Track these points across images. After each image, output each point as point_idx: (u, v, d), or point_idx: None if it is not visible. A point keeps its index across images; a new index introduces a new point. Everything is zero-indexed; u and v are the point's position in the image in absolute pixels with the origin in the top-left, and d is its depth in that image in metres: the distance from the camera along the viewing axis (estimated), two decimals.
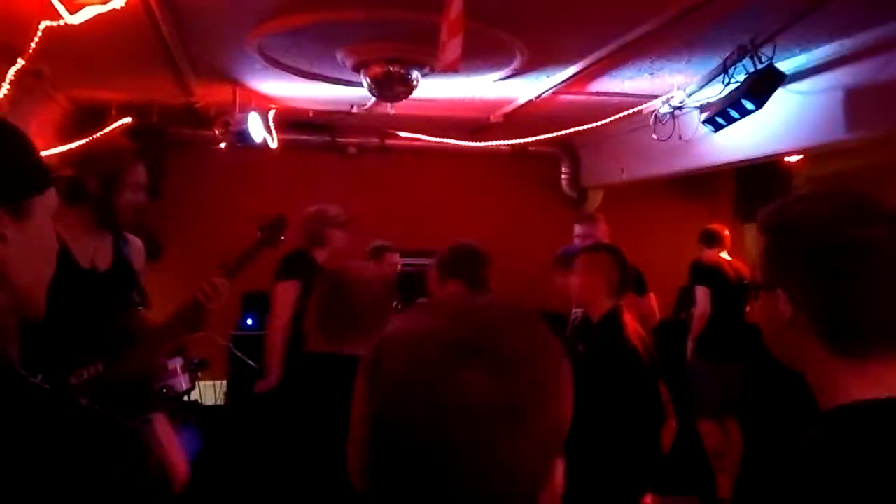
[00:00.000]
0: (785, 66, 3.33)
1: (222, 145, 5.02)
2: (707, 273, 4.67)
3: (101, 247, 2.22)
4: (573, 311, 3.35)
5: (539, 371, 0.64)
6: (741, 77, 3.31)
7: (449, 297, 0.68)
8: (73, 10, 2.75)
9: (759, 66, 3.13)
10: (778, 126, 3.85)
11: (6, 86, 3.42)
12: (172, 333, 2.23)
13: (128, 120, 4.88)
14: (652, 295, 4.30)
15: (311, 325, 1.64)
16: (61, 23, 2.75)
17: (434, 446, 0.60)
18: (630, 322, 2.61)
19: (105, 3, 2.77)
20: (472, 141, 5.96)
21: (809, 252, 0.92)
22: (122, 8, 2.82)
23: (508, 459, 0.60)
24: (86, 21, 2.79)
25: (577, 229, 4.41)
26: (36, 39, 2.97)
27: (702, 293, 4.58)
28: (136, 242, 2.44)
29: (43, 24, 2.83)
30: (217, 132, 4.90)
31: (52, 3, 2.62)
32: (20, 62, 3.30)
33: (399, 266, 4.56)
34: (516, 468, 0.61)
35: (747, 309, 4.82)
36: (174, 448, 2.29)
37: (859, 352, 0.90)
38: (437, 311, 0.69)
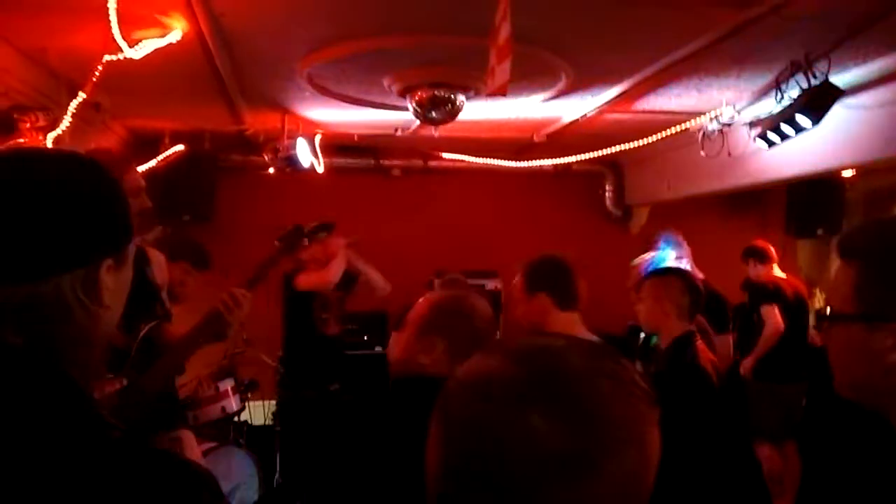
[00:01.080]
0: (838, 80, 3.25)
1: (271, 170, 5.13)
2: (772, 291, 4.55)
3: None
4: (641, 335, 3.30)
5: (612, 416, 0.61)
6: (794, 93, 3.24)
7: (522, 338, 0.65)
8: (132, 45, 2.86)
9: (814, 82, 3.06)
10: (830, 141, 3.75)
11: (68, 118, 3.56)
12: (194, 344, 2.24)
13: (181, 147, 5.02)
14: (731, 337, 4.14)
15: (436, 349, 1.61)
16: (121, 57, 2.85)
17: (500, 490, 0.59)
18: (703, 348, 2.53)
19: (163, 37, 2.88)
20: (516, 161, 5.96)
21: None
22: (178, 42, 2.93)
23: None
24: (142, 55, 2.90)
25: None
26: (97, 73, 3.10)
27: (772, 312, 4.43)
28: (157, 257, 2.48)
29: (104, 59, 2.95)
30: (266, 158, 5.01)
31: (113, 39, 2.73)
32: (81, 95, 3.43)
33: None
34: None
35: (811, 330, 4.69)
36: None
37: None
38: (507, 351, 0.67)
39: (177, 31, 2.88)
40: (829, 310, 0.95)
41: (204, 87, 3.90)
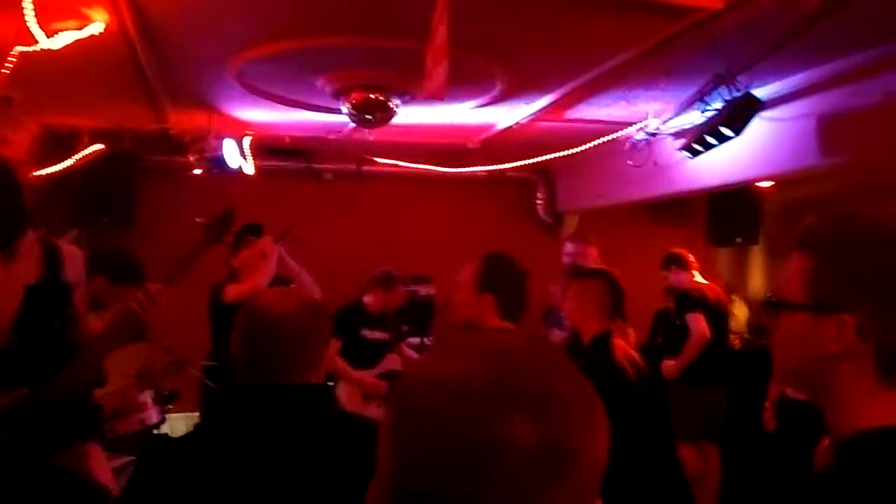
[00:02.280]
0: (759, 93, 3.40)
1: (197, 172, 4.96)
2: (697, 299, 4.69)
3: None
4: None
5: (579, 414, 0.61)
6: (717, 104, 3.37)
7: (477, 335, 0.64)
8: (49, 36, 2.70)
9: (735, 94, 3.19)
10: (751, 152, 3.92)
11: None
12: (105, 347, 2.10)
13: (100, 146, 4.80)
14: (631, 330, 4.22)
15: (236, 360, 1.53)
16: (37, 48, 2.69)
17: (473, 497, 0.57)
18: (620, 345, 2.61)
19: (83, 28, 2.73)
20: (450, 167, 5.98)
21: (892, 274, 0.85)
22: (99, 34, 2.79)
23: None
24: (60, 47, 2.75)
25: (568, 247, 4.42)
26: (9, 65, 2.92)
27: (698, 319, 4.54)
28: (72, 252, 2.25)
29: (17, 50, 2.78)
30: (192, 158, 4.84)
31: (27, 29, 2.57)
32: None
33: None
34: None
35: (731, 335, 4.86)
36: (109, 482, 2.20)
37: None
38: (469, 350, 0.64)
39: (98, 22, 2.75)
40: (775, 297, 0.98)
41: (126, 84, 3.73)
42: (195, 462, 1.39)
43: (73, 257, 2.26)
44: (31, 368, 1.96)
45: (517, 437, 0.57)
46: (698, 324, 4.52)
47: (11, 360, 1.93)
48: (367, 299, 4.41)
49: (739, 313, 6.24)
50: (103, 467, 2.31)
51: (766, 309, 1.02)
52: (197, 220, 2.25)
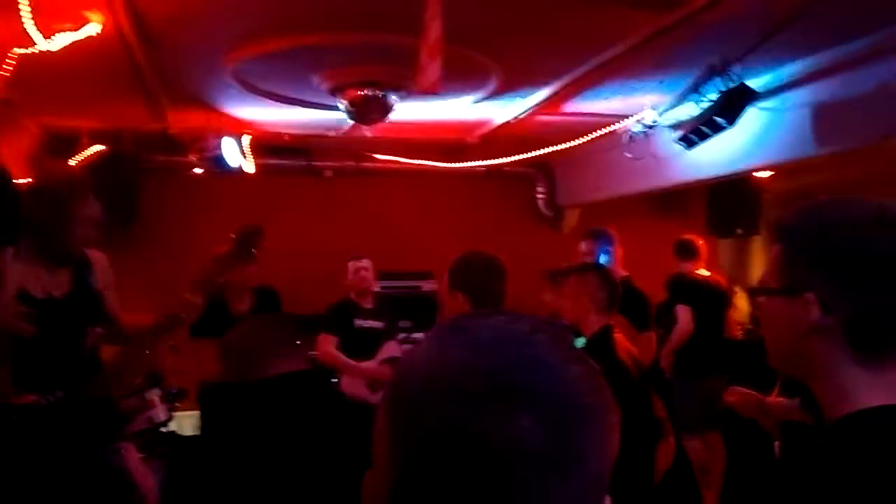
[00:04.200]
0: (753, 84, 3.41)
1: (198, 171, 4.99)
2: (687, 290, 4.70)
3: (58, 273, 2.18)
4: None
5: (586, 407, 0.58)
6: (713, 96, 3.38)
7: (479, 321, 0.59)
8: (46, 37, 2.73)
9: (730, 85, 3.20)
10: (748, 143, 3.93)
11: None
12: (151, 344, 2.18)
13: (100, 147, 4.82)
14: (653, 334, 4.16)
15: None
16: (35, 49, 2.72)
17: (478, 498, 0.54)
18: (621, 340, 2.61)
19: (80, 29, 2.76)
20: (449, 162, 6.00)
21: (850, 253, 0.91)
22: (96, 35, 2.81)
23: None
24: (58, 48, 2.78)
25: (583, 246, 4.25)
26: (8, 67, 2.94)
27: (684, 312, 4.58)
28: (99, 259, 2.34)
29: (16, 52, 2.80)
30: (192, 158, 4.86)
31: (25, 31, 2.60)
32: None
33: (368, 277, 4.55)
34: None
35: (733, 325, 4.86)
36: (144, 478, 2.24)
37: (880, 359, 0.91)
38: (472, 339, 0.59)
39: (95, 23, 2.77)
40: (757, 285, 1.05)
41: (125, 84, 3.76)
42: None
43: (102, 263, 2.32)
44: (62, 375, 2.02)
45: (521, 435, 0.54)
46: (682, 316, 4.54)
47: (48, 365, 1.99)
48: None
49: (741, 304, 6.25)
50: (139, 465, 2.35)
51: (750, 297, 1.07)
52: (230, 235, 2.26)
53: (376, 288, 4.69)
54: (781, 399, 2.70)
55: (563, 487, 0.55)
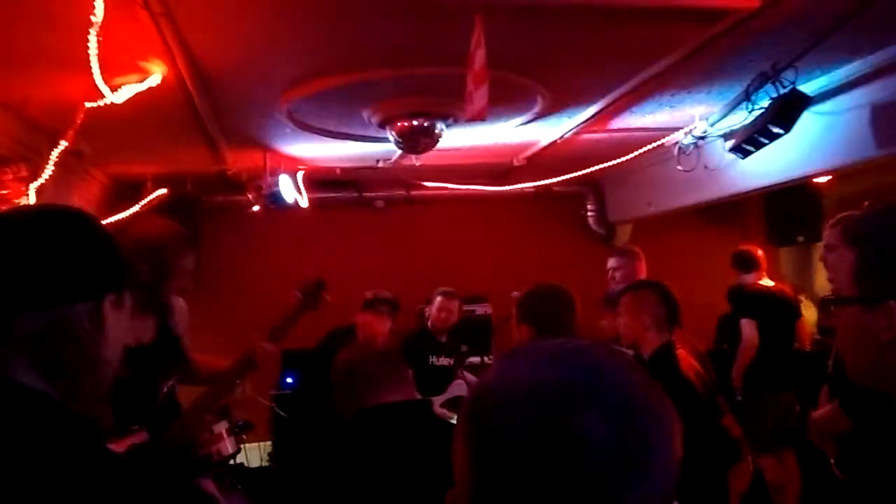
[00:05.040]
0: (807, 87, 3.34)
1: (255, 209, 5.15)
2: (750, 302, 4.58)
3: (146, 319, 2.28)
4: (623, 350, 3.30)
5: (652, 411, 0.61)
6: (764, 103, 3.33)
7: (542, 343, 0.63)
8: (111, 90, 2.88)
9: (782, 91, 3.15)
10: (804, 148, 3.84)
11: (50, 167, 3.56)
12: (228, 384, 2.27)
13: (164, 191, 5.03)
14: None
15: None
16: (102, 103, 2.87)
17: (556, 496, 0.56)
18: (684, 357, 2.56)
19: (142, 81, 2.91)
20: (497, 185, 6.03)
21: None
22: (157, 85, 2.96)
23: None
24: (123, 100, 2.93)
25: (611, 262, 4.26)
26: (77, 121, 3.11)
27: (748, 325, 4.46)
28: (179, 304, 2.46)
29: (85, 106, 2.97)
30: (250, 196, 5.03)
31: (92, 86, 2.75)
32: (63, 144, 3.45)
33: (454, 317, 4.42)
34: None
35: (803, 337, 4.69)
36: None
37: None
38: (537, 356, 0.64)
39: (156, 74, 2.92)
40: (831, 295, 1.02)
41: (184, 130, 3.93)
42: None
43: (180, 308, 2.44)
44: (144, 416, 2.13)
45: (593, 436, 0.56)
46: (747, 331, 4.41)
47: (134, 407, 2.09)
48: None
49: (807, 314, 6.04)
50: (220, 496, 2.44)
51: (824, 308, 1.04)
52: (295, 291, 2.43)
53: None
54: (822, 410, 2.59)
55: (635, 485, 0.57)
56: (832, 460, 2.39)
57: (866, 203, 2.73)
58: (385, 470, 1.45)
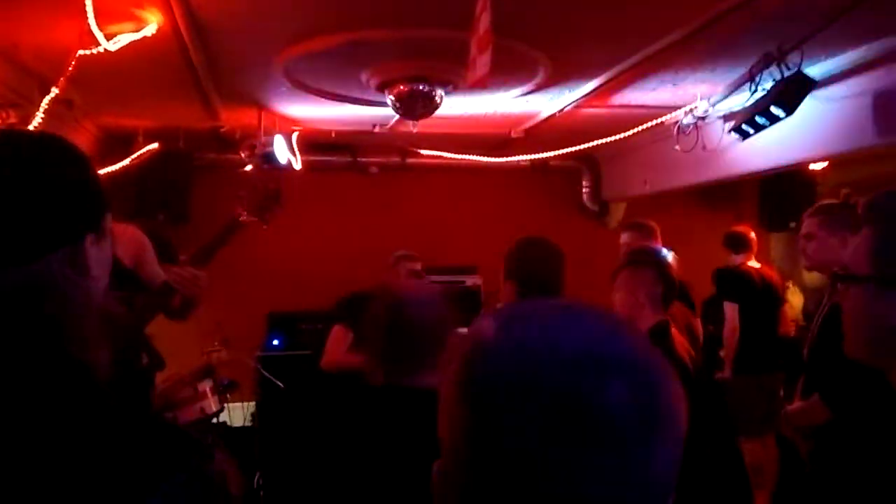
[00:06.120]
0: (811, 71, 3.31)
1: (248, 168, 5.08)
2: (734, 284, 4.59)
3: None
4: None
5: (667, 376, 0.59)
6: (767, 85, 3.30)
7: (544, 303, 0.64)
8: (106, 38, 2.81)
9: (787, 73, 3.12)
10: (804, 133, 3.83)
11: (40, 115, 3.49)
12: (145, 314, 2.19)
13: (155, 145, 4.96)
14: (697, 321, 4.07)
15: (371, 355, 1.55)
16: (97, 50, 2.80)
17: (567, 469, 0.54)
18: (678, 337, 2.53)
19: (138, 30, 2.84)
20: (493, 157, 5.98)
21: None
22: (152, 35, 2.89)
23: (642, 478, 0.56)
24: (115, 49, 2.86)
25: (624, 237, 4.16)
26: (69, 69, 3.04)
27: (729, 309, 4.46)
28: (123, 232, 2.33)
29: (78, 54, 2.89)
30: (243, 155, 4.96)
31: (86, 34, 2.68)
32: (54, 91, 3.37)
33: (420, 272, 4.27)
34: (651, 483, 0.56)
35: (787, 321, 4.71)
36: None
37: None
38: (543, 319, 0.61)
39: (152, 24, 2.85)
40: (842, 271, 0.99)
41: (178, 84, 3.85)
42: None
43: (126, 238, 2.31)
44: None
45: (613, 400, 0.55)
46: (729, 314, 4.42)
47: None
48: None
49: (794, 300, 6.08)
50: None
51: (833, 283, 1.02)
52: (239, 194, 2.27)
53: None
54: (800, 404, 2.60)
55: (658, 450, 0.56)
56: (804, 453, 2.39)
57: (844, 192, 2.72)
58: (394, 459, 1.38)
